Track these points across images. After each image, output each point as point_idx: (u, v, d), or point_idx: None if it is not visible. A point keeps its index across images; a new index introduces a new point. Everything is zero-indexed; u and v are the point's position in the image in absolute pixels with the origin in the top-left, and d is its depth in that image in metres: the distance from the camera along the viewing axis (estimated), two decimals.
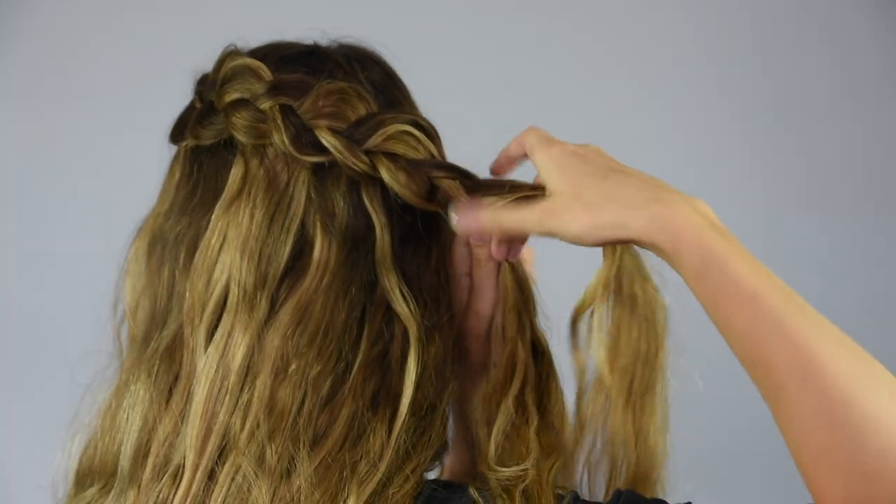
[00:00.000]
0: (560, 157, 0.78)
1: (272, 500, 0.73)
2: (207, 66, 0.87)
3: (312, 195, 0.79)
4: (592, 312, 0.87)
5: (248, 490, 0.73)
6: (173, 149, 0.87)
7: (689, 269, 0.71)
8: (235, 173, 0.80)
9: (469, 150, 0.86)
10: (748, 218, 1.54)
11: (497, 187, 0.80)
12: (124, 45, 1.53)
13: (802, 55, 1.60)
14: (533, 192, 0.79)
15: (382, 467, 0.74)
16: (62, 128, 1.53)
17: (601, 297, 0.86)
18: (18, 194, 1.53)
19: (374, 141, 0.79)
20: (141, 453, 0.77)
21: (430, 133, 0.82)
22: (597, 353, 0.86)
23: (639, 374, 0.85)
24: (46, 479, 0.87)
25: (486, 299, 0.85)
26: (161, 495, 0.75)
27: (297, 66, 0.83)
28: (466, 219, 0.80)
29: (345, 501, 0.72)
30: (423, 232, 0.82)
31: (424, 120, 0.82)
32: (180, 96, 0.88)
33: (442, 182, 0.79)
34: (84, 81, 1.53)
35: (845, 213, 1.60)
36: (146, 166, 0.89)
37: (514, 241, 0.84)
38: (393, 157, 0.79)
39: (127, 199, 0.90)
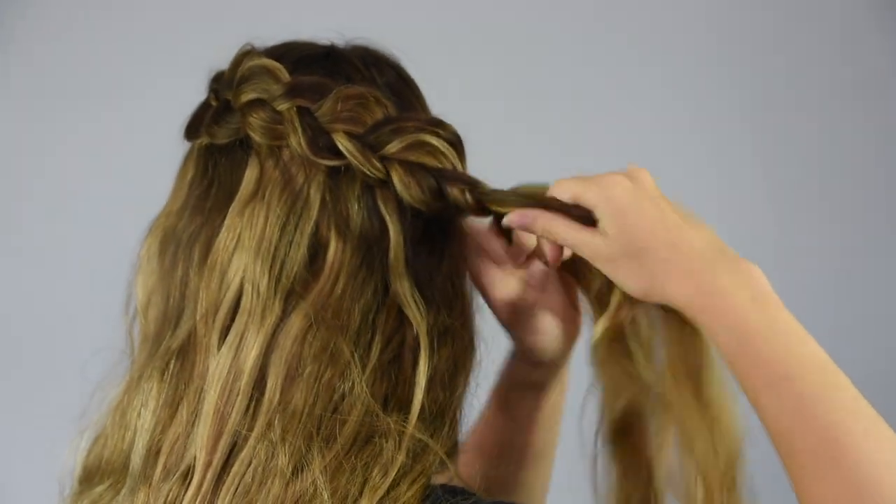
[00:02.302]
0: (616, 200, 0.78)
1: (281, 502, 0.73)
2: (206, 63, 0.88)
3: (327, 198, 0.79)
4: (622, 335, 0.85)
5: (258, 490, 0.73)
6: (176, 146, 0.87)
7: (725, 348, 0.73)
8: (250, 174, 0.80)
9: (478, 150, 0.86)
10: (748, 218, 1.55)
11: (510, 202, 0.81)
12: (125, 43, 1.53)
13: (803, 55, 1.60)
14: (580, 219, 0.80)
15: (393, 471, 0.74)
16: (66, 126, 1.53)
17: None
18: (18, 191, 1.53)
19: (391, 148, 0.79)
20: (152, 452, 0.77)
21: (453, 141, 0.82)
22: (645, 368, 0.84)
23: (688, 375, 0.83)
24: (53, 474, 0.87)
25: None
26: (171, 495, 0.75)
27: (314, 67, 0.83)
28: (520, 216, 0.81)
29: (355, 502, 0.73)
30: (436, 237, 0.82)
31: (449, 130, 0.82)
32: (182, 95, 0.89)
33: (454, 193, 0.80)
34: (85, 80, 1.53)
35: (845, 213, 1.61)
36: (152, 163, 0.89)
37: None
38: (407, 165, 0.79)
39: (131, 197, 0.91)
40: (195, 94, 0.88)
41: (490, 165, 0.87)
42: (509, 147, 1.38)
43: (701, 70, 1.61)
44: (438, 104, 0.88)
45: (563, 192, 0.80)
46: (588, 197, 0.79)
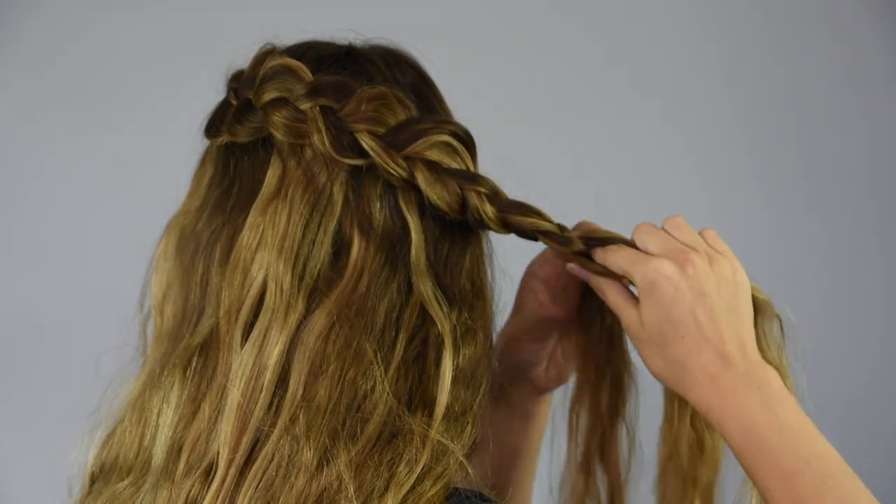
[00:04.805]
0: (658, 290, 0.81)
1: (305, 496, 0.73)
2: (211, 62, 0.88)
3: (350, 197, 0.80)
4: None
5: (282, 485, 0.74)
6: (187, 145, 0.87)
7: (732, 444, 0.79)
8: (272, 173, 0.80)
9: (491, 149, 0.88)
10: (749, 218, 1.57)
11: (529, 212, 0.83)
12: (131, 43, 1.52)
13: (804, 54, 1.61)
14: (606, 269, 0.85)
15: (418, 468, 0.74)
16: (75, 125, 1.52)
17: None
18: (24, 190, 1.52)
19: (414, 148, 0.80)
20: (174, 448, 0.77)
21: (468, 144, 0.83)
22: None
23: None
24: (57, 474, 0.87)
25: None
26: (194, 490, 0.75)
27: (335, 67, 0.83)
28: (578, 271, 0.88)
29: (380, 498, 0.73)
30: (456, 237, 0.83)
31: (463, 130, 0.83)
32: (185, 95, 0.89)
33: (472, 197, 0.81)
34: (89, 80, 1.52)
35: (847, 213, 1.62)
36: (164, 161, 0.88)
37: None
38: (430, 164, 0.80)
39: (138, 196, 0.91)
40: (200, 93, 0.88)
41: (497, 165, 0.88)
42: (518, 147, 1.38)
43: (700, 69, 1.62)
44: (451, 103, 0.89)
45: (614, 263, 0.84)
46: (635, 277, 0.82)
